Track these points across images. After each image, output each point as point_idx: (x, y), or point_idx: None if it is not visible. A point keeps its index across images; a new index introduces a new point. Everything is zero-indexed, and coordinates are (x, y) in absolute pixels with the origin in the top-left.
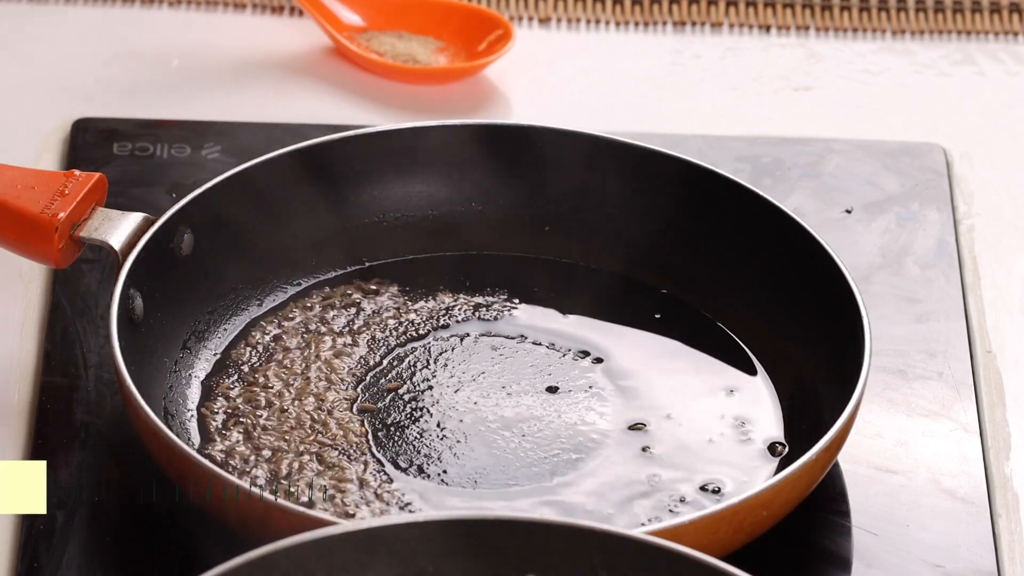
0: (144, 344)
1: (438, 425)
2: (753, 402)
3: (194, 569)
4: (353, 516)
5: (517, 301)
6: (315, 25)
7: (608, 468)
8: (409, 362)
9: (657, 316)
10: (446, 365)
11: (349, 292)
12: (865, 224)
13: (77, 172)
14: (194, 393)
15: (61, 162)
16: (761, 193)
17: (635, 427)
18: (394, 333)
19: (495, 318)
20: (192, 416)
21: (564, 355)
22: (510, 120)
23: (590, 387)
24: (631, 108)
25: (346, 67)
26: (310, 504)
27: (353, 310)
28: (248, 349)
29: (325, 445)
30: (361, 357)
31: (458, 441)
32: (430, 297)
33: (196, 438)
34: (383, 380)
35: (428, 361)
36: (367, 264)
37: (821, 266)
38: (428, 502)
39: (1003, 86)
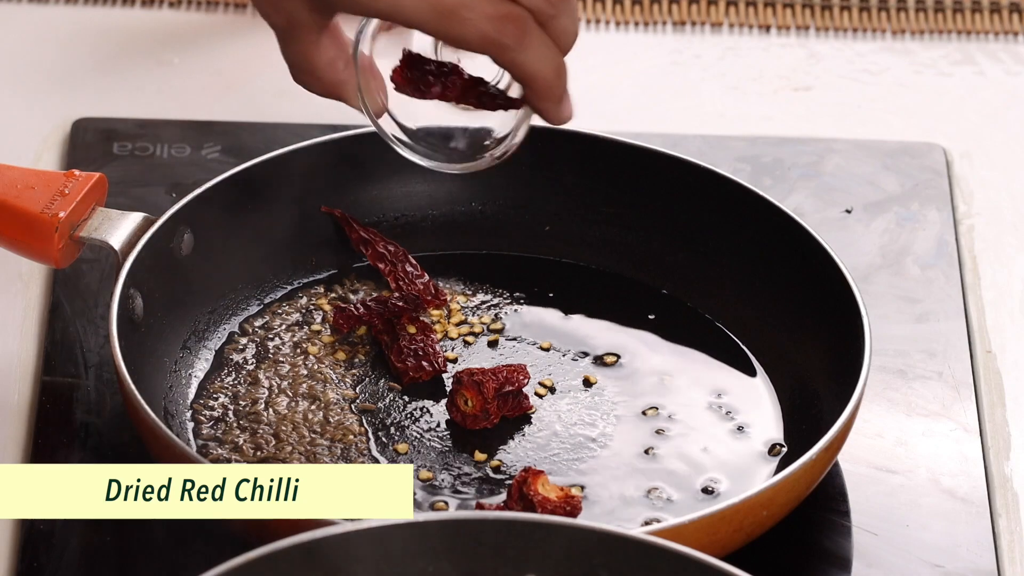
0: (144, 344)
1: (438, 425)
2: (753, 402)
3: (194, 569)
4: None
5: (517, 301)
6: None
7: (608, 468)
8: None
9: (656, 316)
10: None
11: (349, 292)
12: (865, 224)
13: (77, 172)
14: (194, 393)
15: (61, 162)
16: (761, 193)
17: (635, 427)
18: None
19: (496, 318)
20: (192, 415)
21: (564, 355)
22: None
23: (590, 387)
24: (631, 108)
25: None
26: None
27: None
28: (248, 349)
29: (325, 445)
30: (361, 357)
31: (458, 441)
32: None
33: (196, 438)
34: (383, 380)
35: None
36: (367, 263)
37: (821, 266)
38: (428, 502)
39: (1003, 86)
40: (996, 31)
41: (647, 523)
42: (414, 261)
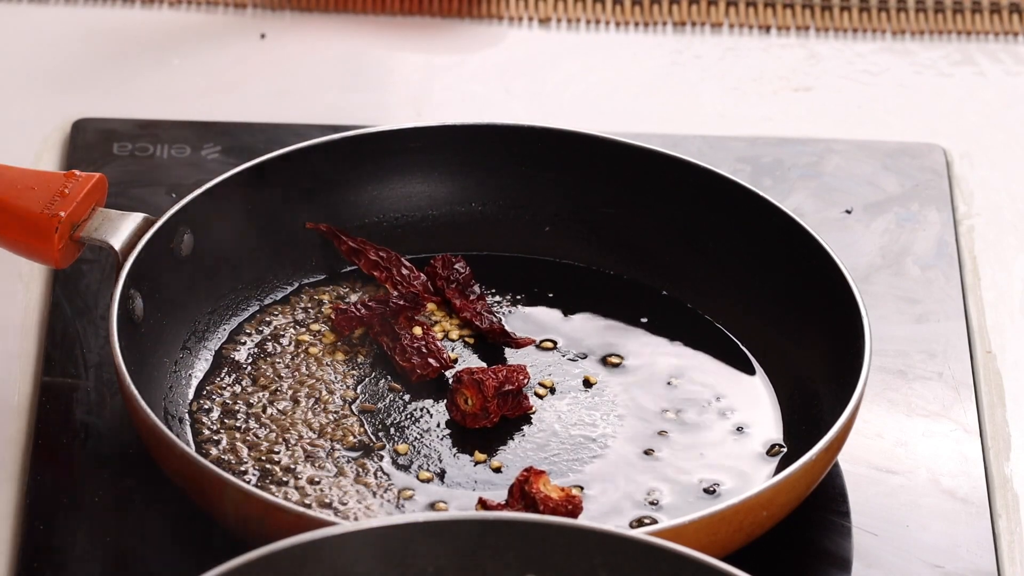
0: (144, 344)
1: (438, 425)
2: (752, 402)
3: (194, 569)
4: (353, 516)
5: (517, 301)
6: (315, 25)
7: (608, 468)
8: None
9: (655, 316)
10: None
11: (349, 292)
12: (865, 224)
13: (77, 172)
14: (194, 393)
15: (61, 162)
16: (761, 193)
17: (635, 428)
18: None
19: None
20: (192, 416)
21: (564, 355)
22: (510, 120)
23: (590, 387)
24: (631, 108)
25: (346, 66)
26: (309, 504)
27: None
28: (248, 349)
29: (325, 445)
30: (361, 357)
31: (458, 441)
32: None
33: (196, 438)
34: (383, 380)
35: None
36: None
37: (821, 266)
38: (428, 502)
39: (1003, 86)
40: (996, 31)
41: (647, 523)
42: (408, 263)
